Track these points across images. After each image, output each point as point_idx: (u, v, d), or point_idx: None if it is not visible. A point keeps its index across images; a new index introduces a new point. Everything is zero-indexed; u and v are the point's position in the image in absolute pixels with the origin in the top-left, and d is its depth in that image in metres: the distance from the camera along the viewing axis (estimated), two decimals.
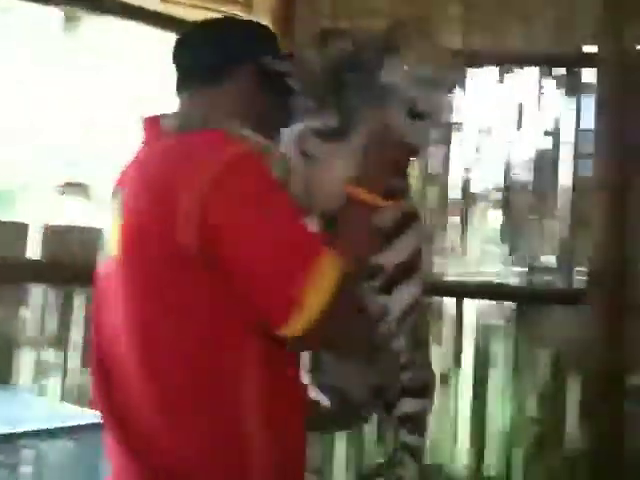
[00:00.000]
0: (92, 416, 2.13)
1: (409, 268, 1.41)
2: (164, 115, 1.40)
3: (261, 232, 1.21)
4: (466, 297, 3.52)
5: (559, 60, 3.58)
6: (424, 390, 1.42)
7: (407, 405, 1.40)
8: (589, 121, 3.50)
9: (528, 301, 3.50)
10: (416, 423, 1.40)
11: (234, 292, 1.23)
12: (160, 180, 1.27)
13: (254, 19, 3.17)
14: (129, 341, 1.30)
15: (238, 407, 1.25)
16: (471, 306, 3.50)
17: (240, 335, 1.25)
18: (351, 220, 1.32)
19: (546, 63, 3.58)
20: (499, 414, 3.45)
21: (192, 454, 1.25)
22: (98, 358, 1.38)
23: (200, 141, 1.29)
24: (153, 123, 1.41)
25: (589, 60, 3.51)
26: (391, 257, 1.39)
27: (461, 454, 3.41)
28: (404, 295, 1.40)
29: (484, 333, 3.50)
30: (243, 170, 1.24)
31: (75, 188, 2.82)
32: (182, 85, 1.47)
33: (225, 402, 1.25)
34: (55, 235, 2.81)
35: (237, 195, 1.21)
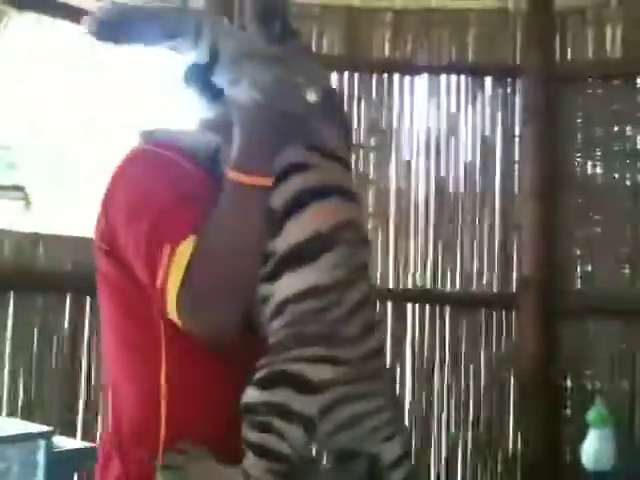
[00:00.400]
0: None
1: (302, 252, 1.23)
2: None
3: (131, 227, 1.22)
4: (406, 302, 3.55)
5: (487, 70, 3.67)
6: (272, 382, 1.19)
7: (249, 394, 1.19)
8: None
9: (463, 305, 3.56)
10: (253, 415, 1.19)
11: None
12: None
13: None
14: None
15: (154, 383, 1.25)
16: (410, 310, 3.55)
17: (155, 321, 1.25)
18: (229, 205, 1.21)
19: (474, 73, 3.66)
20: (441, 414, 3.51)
21: (123, 421, 1.30)
22: None
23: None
24: None
25: (515, 70, 3.61)
26: (281, 242, 1.23)
27: None
28: (291, 281, 1.22)
29: (422, 336, 3.55)
30: (130, 167, 1.29)
31: (10, 191, 2.72)
32: None
33: (143, 377, 1.27)
34: None
35: (120, 192, 1.27)
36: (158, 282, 1.16)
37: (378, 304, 3.25)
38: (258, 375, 1.19)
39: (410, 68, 3.66)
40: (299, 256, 1.22)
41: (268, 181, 1.22)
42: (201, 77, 1.29)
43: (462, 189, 3.62)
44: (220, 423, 1.25)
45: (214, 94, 1.29)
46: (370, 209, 3.58)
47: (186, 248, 1.16)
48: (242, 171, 1.21)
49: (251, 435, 1.16)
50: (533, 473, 3.34)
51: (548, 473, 3.32)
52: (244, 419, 1.18)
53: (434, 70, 3.68)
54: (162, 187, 1.24)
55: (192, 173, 1.28)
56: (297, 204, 1.23)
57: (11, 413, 2.58)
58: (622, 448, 2.90)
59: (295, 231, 1.23)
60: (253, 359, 1.26)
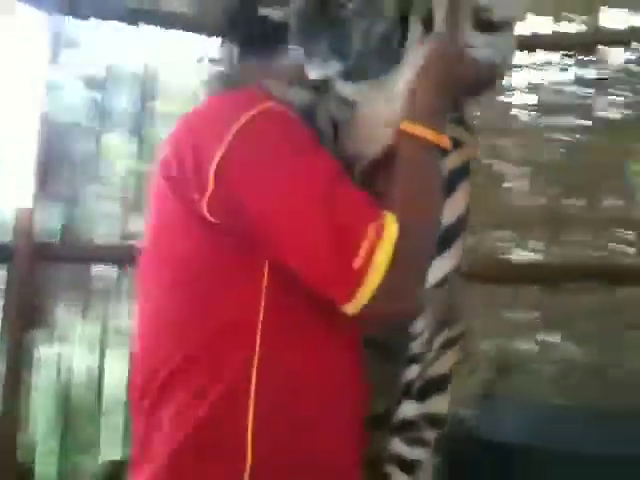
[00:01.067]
0: None
1: (452, 234, 1.19)
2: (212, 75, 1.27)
3: (293, 199, 1.05)
4: None
5: None
6: (440, 383, 1.20)
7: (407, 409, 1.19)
8: None
9: None
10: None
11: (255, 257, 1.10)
12: (178, 134, 1.17)
13: None
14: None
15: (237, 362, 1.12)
16: None
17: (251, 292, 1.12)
18: (410, 167, 1.06)
19: None
20: None
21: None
22: None
23: (231, 99, 1.17)
24: None
25: None
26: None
27: None
28: (440, 265, 1.18)
29: None
30: (261, 128, 1.10)
31: None
32: None
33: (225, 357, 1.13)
34: None
35: (253, 156, 1.08)
36: (356, 264, 1.01)
37: None
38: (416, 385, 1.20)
39: None
40: (447, 239, 1.19)
41: (447, 143, 1.09)
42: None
43: None
44: (321, 409, 1.14)
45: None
46: None
47: (391, 227, 1.02)
48: (428, 127, 1.07)
49: (403, 449, 1.17)
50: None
51: None
52: (395, 434, 1.17)
53: None
54: (311, 155, 1.09)
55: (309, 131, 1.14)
56: (450, 183, 1.18)
57: None
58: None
59: (448, 213, 1.17)
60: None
